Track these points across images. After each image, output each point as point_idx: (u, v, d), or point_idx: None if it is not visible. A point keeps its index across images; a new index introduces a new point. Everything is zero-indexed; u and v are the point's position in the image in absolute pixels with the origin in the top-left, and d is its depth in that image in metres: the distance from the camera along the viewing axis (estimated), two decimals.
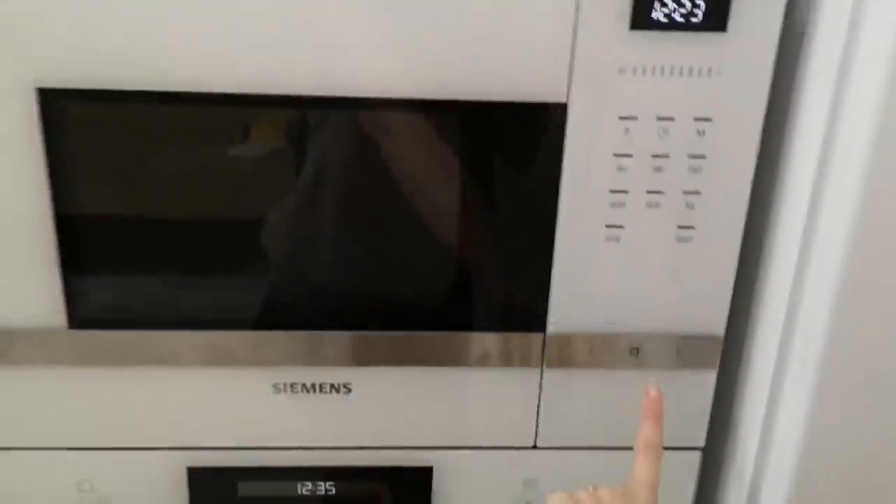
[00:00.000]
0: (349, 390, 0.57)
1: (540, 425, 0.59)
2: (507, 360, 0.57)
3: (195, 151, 0.52)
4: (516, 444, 0.60)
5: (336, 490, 0.61)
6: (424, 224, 0.54)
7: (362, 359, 0.56)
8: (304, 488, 0.61)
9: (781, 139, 0.53)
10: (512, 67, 0.49)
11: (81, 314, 0.54)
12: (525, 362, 0.57)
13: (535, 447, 0.60)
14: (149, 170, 0.52)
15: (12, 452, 0.58)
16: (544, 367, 0.57)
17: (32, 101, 0.49)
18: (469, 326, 0.56)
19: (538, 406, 0.59)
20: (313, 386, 0.57)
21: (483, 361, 0.57)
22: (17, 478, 0.59)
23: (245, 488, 0.60)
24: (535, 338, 0.57)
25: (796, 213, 0.51)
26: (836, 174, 0.48)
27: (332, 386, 0.57)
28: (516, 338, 0.57)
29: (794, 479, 0.54)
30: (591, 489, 0.51)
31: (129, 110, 0.50)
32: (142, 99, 0.49)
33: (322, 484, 0.61)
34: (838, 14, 0.46)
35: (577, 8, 0.48)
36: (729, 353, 0.61)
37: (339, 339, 0.56)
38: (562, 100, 0.50)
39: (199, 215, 0.54)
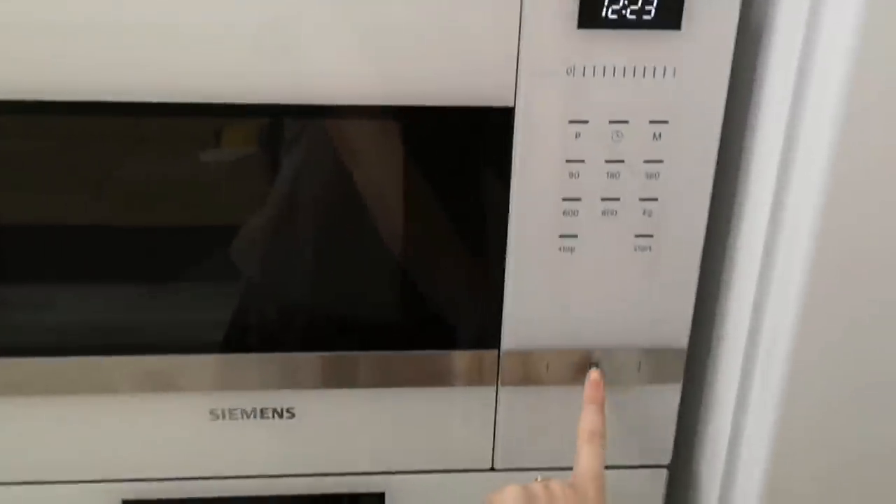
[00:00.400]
0: (292, 415, 0.54)
1: (497, 446, 0.56)
2: (460, 380, 0.54)
3: (111, 163, 0.49)
4: (473, 467, 0.57)
5: None
6: (367, 236, 0.51)
7: (303, 381, 0.53)
8: None
9: (742, 141, 0.51)
10: (455, 70, 0.46)
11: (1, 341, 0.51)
12: (479, 381, 0.54)
13: (492, 469, 0.57)
14: (70, 180, 0.49)
15: None
16: (499, 386, 0.54)
17: None
18: (419, 345, 0.53)
19: (494, 426, 0.56)
20: (253, 411, 0.54)
21: (434, 381, 0.54)
22: None
23: None
24: (489, 355, 0.53)
25: (759, 218, 0.49)
26: (798, 177, 0.45)
27: (273, 411, 0.54)
28: (469, 356, 0.53)
29: (762, 494, 0.51)
30: (540, 479, 0.48)
31: (44, 120, 0.47)
32: (55, 110, 0.45)
33: None
34: (797, 8, 0.44)
35: (521, 6, 0.45)
36: (695, 366, 0.59)
37: (278, 361, 0.53)
38: (508, 104, 0.47)
39: (127, 227, 0.51)
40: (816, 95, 0.43)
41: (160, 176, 0.49)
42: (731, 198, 0.52)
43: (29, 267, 0.51)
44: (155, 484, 0.55)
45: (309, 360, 0.53)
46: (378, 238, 0.51)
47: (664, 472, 0.59)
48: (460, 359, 0.54)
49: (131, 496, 0.56)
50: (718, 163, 0.50)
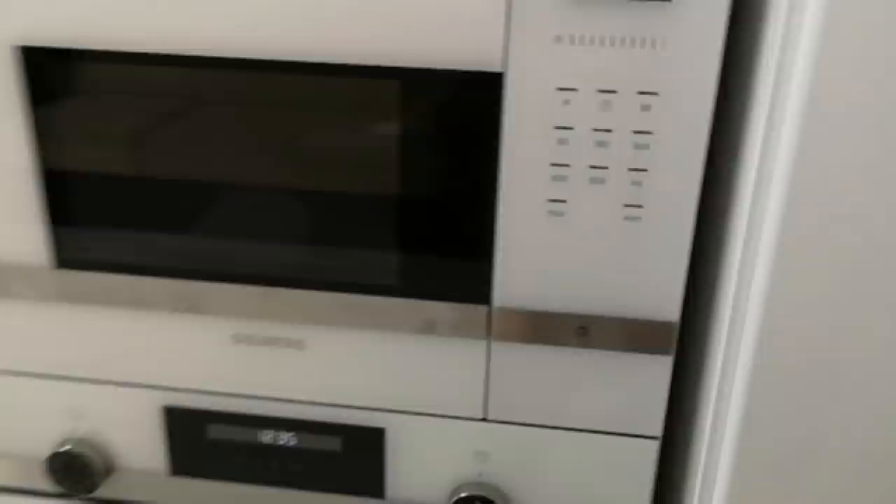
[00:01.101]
0: (302, 347, 0.59)
1: (490, 398, 0.59)
2: (455, 331, 0.57)
3: (164, 111, 0.55)
4: (466, 415, 0.60)
5: (296, 441, 0.63)
6: (369, 191, 0.55)
7: (314, 317, 0.58)
8: (266, 437, 0.63)
9: (739, 116, 0.50)
10: (446, 34, 0.49)
11: (64, 256, 0.59)
12: (473, 333, 0.57)
13: (485, 420, 0.60)
14: (123, 126, 0.56)
15: (10, 377, 0.64)
16: (491, 341, 0.57)
17: (13, 60, 0.53)
18: (416, 294, 0.57)
19: (487, 378, 0.59)
20: (268, 340, 0.60)
21: (430, 329, 0.57)
22: (14, 399, 0.65)
23: (213, 431, 0.64)
24: (481, 309, 0.56)
25: (745, 196, 0.49)
26: (772, 154, 0.45)
27: (286, 341, 0.59)
28: (463, 308, 0.57)
29: (731, 469, 0.51)
30: None
31: (103, 70, 0.54)
32: (115, 59, 0.52)
33: (283, 434, 0.63)
34: None
35: None
36: (696, 341, 0.59)
37: (291, 296, 0.58)
38: (497, 69, 0.49)
39: (169, 171, 0.57)
40: (793, 74, 0.43)
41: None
42: (729, 173, 0.52)
43: (91, 202, 0.58)
44: (191, 395, 0.63)
45: (321, 298, 0.58)
46: (378, 197, 0.54)
47: (655, 443, 0.59)
48: (455, 311, 0.57)
49: (171, 403, 0.63)
50: (720, 135, 0.50)
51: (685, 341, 0.60)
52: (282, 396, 0.62)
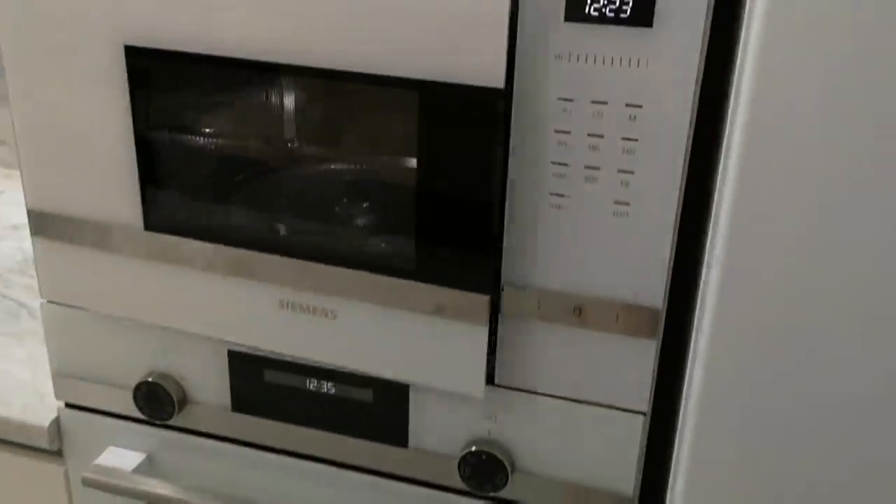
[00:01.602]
0: (335, 317, 0.69)
1: (497, 364, 0.68)
2: (459, 309, 0.65)
3: (238, 104, 0.67)
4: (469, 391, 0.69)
5: (335, 390, 0.74)
6: (391, 186, 0.64)
7: (342, 291, 0.68)
8: (311, 384, 0.74)
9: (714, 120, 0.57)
10: (462, 55, 0.57)
11: (151, 220, 0.71)
12: (479, 310, 0.65)
13: (494, 384, 0.69)
14: (202, 111, 0.68)
15: (109, 318, 0.77)
16: (500, 315, 0.66)
17: (121, 55, 0.66)
18: (434, 280, 0.66)
19: (495, 346, 0.67)
20: (305, 307, 0.69)
21: (439, 312, 0.65)
22: (112, 337, 0.78)
23: (269, 375, 0.75)
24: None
25: (713, 192, 0.55)
26: (728, 153, 0.51)
27: (321, 310, 0.69)
28: (470, 288, 0.65)
29: (691, 448, 0.58)
30: None
31: (192, 68, 0.66)
32: (199, 60, 0.64)
33: (325, 383, 0.74)
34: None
35: (519, 3, 0.56)
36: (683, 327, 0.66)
37: (323, 270, 0.67)
38: (500, 85, 0.57)
39: (231, 155, 0.68)
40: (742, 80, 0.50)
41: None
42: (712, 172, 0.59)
43: (173, 175, 0.70)
44: (250, 342, 0.74)
45: (347, 276, 0.67)
46: (399, 191, 0.64)
47: (642, 417, 0.66)
48: (462, 294, 0.65)
49: (233, 347, 0.75)
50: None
51: (679, 327, 0.67)
52: (318, 359, 0.71)
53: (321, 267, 0.68)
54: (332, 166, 0.65)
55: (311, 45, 0.61)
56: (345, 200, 0.66)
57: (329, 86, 0.63)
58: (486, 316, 0.64)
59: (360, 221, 0.67)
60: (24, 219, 1.28)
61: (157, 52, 0.65)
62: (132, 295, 0.75)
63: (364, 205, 0.66)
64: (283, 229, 0.69)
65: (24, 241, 1.23)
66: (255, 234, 0.70)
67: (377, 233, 0.66)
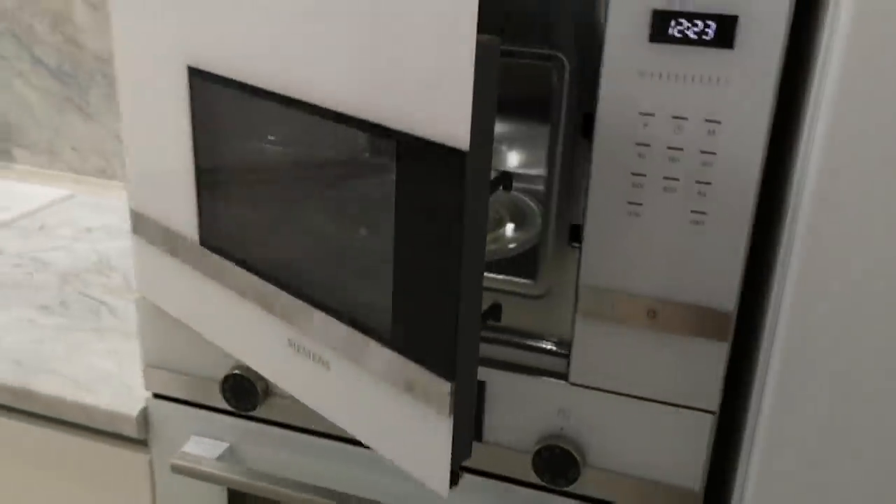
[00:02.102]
0: (328, 367, 0.73)
1: (572, 363, 0.72)
2: (426, 390, 0.61)
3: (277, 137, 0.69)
4: (552, 374, 0.73)
5: None
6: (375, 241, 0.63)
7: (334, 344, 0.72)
8: None
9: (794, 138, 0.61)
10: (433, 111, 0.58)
11: (204, 236, 0.75)
12: (441, 397, 0.60)
13: (568, 381, 0.73)
14: (254, 140, 0.70)
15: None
16: (577, 313, 0.70)
17: (184, 76, 0.70)
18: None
19: (570, 346, 0.71)
20: (307, 352, 0.69)
21: (409, 389, 0.62)
22: (190, 333, 0.83)
23: None
24: (571, 287, 0.69)
25: (788, 205, 0.59)
26: (806, 167, 0.55)
27: (318, 357, 0.68)
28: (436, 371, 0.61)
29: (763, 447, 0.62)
30: None
31: (246, 95, 0.69)
32: (252, 91, 0.67)
33: None
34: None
35: (606, 22, 0.60)
36: (755, 329, 0.69)
37: (321, 319, 0.66)
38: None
39: (268, 186, 0.70)
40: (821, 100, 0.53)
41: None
42: (785, 183, 0.62)
43: (224, 200, 0.73)
44: None
45: (338, 328, 0.63)
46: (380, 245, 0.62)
47: (711, 417, 0.70)
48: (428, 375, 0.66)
49: None
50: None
51: (749, 329, 0.71)
52: (310, 406, 0.71)
53: (321, 315, 0.66)
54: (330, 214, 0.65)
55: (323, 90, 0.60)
56: (338, 251, 0.65)
57: (322, 126, 0.61)
58: (447, 405, 0.58)
59: (350, 273, 0.66)
60: (97, 222, 1.35)
61: (212, 75, 0.68)
62: (187, 301, 0.79)
63: (355, 257, 0.64)
64: (300, 269, 0.69)
65: (98, 242, 1.30)
66: (278, 270, 0.70)
67: (363, 286, 0.64)
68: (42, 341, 1.02)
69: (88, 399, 0.92)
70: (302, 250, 0.68)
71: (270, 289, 0.71)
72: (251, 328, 0.74)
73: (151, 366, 0.88)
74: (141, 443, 0.93)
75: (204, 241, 0.75)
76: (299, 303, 0.68)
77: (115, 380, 0.95)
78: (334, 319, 0.66)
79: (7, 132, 1.55)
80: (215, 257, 0.74)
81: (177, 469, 0.85)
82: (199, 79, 0.69)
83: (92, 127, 1.49)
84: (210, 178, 0.73)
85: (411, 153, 0.56)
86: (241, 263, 0.72)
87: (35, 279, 1.17)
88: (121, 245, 1.28)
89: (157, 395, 0.90)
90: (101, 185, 1.50)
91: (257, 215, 0.71)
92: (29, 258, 1.23)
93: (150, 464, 0.93)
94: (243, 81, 0.66)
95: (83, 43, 1.45)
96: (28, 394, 0.93)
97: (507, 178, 0.75)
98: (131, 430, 0.91)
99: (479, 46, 0.49)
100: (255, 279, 0.72)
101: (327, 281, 0.66)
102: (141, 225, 0.82)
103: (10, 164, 1.57)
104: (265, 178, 0.71)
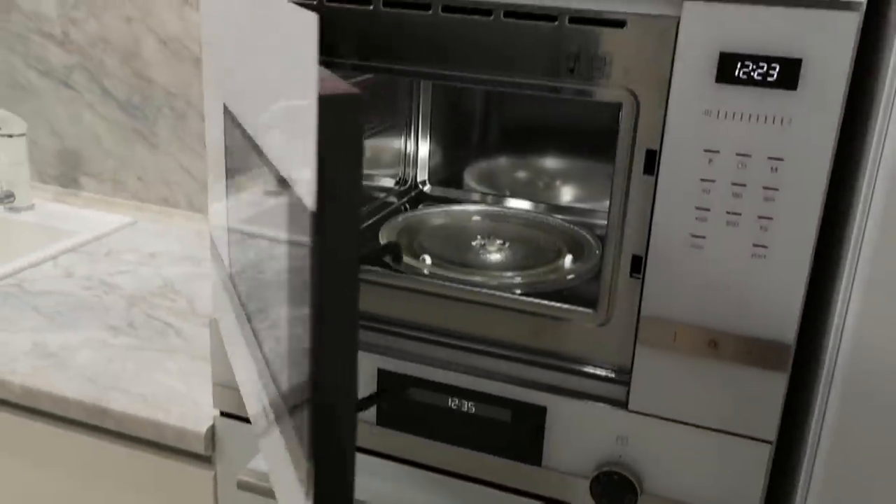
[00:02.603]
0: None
1: (632, 392, 0.74)
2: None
3: None
4: (611, 401, 0.75)
5: (475, 409, 0.81)
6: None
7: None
8: (453, 403, 0.81)
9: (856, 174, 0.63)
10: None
11: None
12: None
13: (627, 409, 0.75)
14: None
15: None
16: (637, 342, 0.72)
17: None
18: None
19: (630, 373, 0.73)
20: None
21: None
22: None
23: (414, 393, 0.83)
24: (632, 316, 0.72)
25: (849, 239, 0.61)
26: (869, 205, 0.57)
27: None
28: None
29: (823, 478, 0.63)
30: None
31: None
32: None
33: (465, 402, 0.81)
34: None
35: (674, 61, 0.63)
36: (812, 359, 0.71)
37: None
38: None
39: None
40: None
41: None
42: (846, 217, 0.65)
43: None
44: (401, 362, 0.82)
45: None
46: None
47: (768, 446, 0.71)
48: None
49: (384, 367, 0.83)
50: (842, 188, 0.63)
51: (806, 359, 0.72)
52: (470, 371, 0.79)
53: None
54: None
55: None
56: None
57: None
58: (308, 487, 0.54)
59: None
60: (160, 248, 1.41)
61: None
62: None
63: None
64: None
65: (162, 267, 1.35)
66: None
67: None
68: (112, 360, 1.07)
69: (158, 416, 0.96)
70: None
71: None
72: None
73: (220, 384, 0.92)
74: (206, 459, 0.96)
75: None
76: None
77: (182, 398, 0.99)
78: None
79: (76, 161, 1.62)
80: None
81: (243, 485, 0.88)
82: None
83: (157, 157, 1.56)
84: None
85: (295, 216, 0.51)
86: None
87: (104, 301, 1.22)
88: (183, 270, 1.33)
89: (224, 414, 0.93)
90: (163, 213, 1.56)
91: None
92: (97, 281, 1.29)
93: (215, 480, 0.96)
94: None
95: (151, 77, 1.52)
96: (102, 411, 0.97)
97: (394, 249, 0.78)
98: (199, 447, 0.94)
99: (322, 102, 0.43)
100: None
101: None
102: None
103: (78, 192, 1.64)
104: None
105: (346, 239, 0.46)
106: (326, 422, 0.50)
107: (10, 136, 1.50)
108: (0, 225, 1.53)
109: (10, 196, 1.53)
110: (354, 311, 0.47)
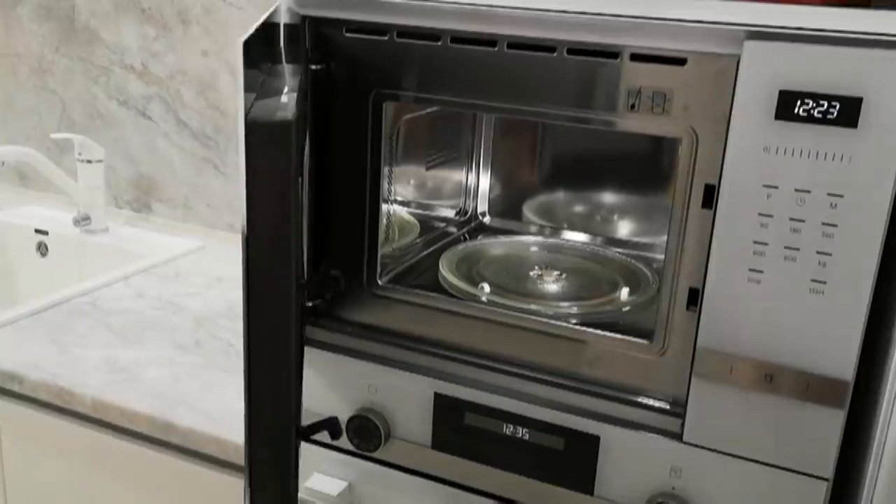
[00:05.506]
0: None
1: (686, 423, 0.74)
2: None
3: None
4: (665, 433, 0.75)
5: (529, 436, 0.82)
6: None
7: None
8: (507, 429, 0.82)
9: None
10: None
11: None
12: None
13: (681, 441, 0.75)
14: None
15: (328, 352, 0.89)
16: (692, 374, 0.73)
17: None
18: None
19: (685, 405, 0.74)
20: None
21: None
22: (330, 370, 0.89)
23: (469, 418, 0.84)
24: (689, 347, 0.72)
25: None
26: None
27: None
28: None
29: None
30: None
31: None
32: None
33: (520, 429, 0.82)
34: None
35: (732, 102, 0.65)
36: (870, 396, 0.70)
37: None
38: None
39: None
40: None
41: None
42: None
43: None
44: (457, 386, 0.84)
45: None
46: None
47: (825, 484, 0.71)
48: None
49: (440, 391, 0.84)
50: None
51: (864, 396, 0.72)
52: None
53: None
54: None
55: None
56: None
57: None
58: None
59: None
60: (226, 272, 1.46)
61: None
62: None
63: None
64: None
65: (228, 291, 1.39)
66: None
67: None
68: (179, 377, 1.11)
69: (221, 432, 0.99)
70: None
71: None
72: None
73: None
74: None
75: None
76: None
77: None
78: None
79: (150, 187, 1.70)
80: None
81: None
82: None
83: (226, 185, 1.62)
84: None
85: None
86: None
87: (172, 320, 1.27)
88: None
89: None
90: (230, 239, 1.61)
91: None
92: (166, 301, 1.34)
93: None
94: None
95: (225, 108, 1.58)
96: (168, 425, 1.01)
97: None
98: None
99: (248, 124, 0.45)
100: None
101: None
102: None
103: (150, 216, 1.71)
104: None
105: (279, 260, 0.48)
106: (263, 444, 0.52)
107: (90, 161, 1.58)
108: (76, 246, 1.61)
109: (86, 219, 1.60)
110: (288, 335, 0.48)
